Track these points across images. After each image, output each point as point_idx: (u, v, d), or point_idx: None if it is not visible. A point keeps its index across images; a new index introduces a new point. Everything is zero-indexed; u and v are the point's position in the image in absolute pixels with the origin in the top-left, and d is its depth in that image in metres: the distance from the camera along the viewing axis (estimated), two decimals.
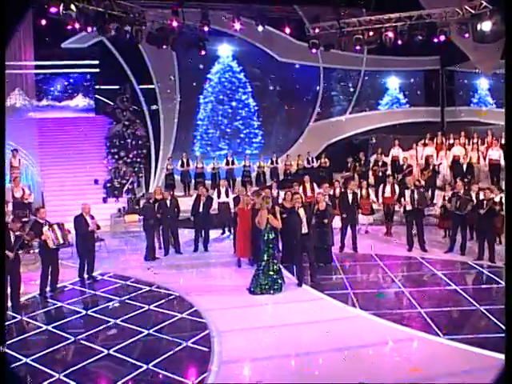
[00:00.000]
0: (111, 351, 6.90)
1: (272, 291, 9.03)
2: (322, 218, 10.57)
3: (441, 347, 6.77)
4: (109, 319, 8.18)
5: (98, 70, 22.01)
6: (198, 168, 18.14)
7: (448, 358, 6.45)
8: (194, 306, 8.61)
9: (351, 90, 22.95)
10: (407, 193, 11.74)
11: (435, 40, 21.98)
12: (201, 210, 12.50)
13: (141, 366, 6.45)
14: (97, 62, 21.72)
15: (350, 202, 12.11)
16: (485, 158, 16.33)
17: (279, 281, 9.20)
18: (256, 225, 10.35)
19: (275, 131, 22.22)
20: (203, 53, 17.59)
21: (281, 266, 9.53)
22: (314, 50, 17.95)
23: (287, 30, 19.17)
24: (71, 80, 23.05)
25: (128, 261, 12.21)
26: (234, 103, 21.68)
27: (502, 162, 15.51)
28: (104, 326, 7.94)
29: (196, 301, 8.82)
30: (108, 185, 17.77)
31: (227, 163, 18.47)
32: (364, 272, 10.59)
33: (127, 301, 9.09)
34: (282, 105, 22.19)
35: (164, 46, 16.40)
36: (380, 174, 16.36)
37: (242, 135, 21.78)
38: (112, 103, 19.29)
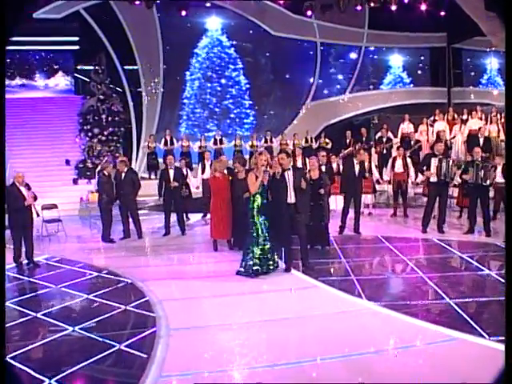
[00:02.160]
0: (11, 356, 4.60)
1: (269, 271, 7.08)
2: (315, 188, 8.33)
3: (486, 351, 4.48)
4: (30, 312, 5.90)
5: (77, 48, 19.82)
6: (183, 147, 15.87)
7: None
8: (145, 295, 6.34)
9: (351, 67, 20.60)
10: (434, 161, 9.39)
11: (442, 13, 20.06)
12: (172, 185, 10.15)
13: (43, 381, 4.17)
14: (76, 39, 19.51)
15: (357, 173, 9.77)
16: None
17: (272, 260, 7.13)
18: (236, 196, 8.18)
19: (268, 111, 19.94)
20: (183, 13, 15.30)
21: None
22: (309, 13, 15.62)
23: (281, 1, 17.01)
24: (49, 56, 20.70)
25: (83, 244, 9.98)
26: (223, 80, 19.37)
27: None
28: (19, 321, 5.66)
29: (151, 289, 6.54)
30: (80, 165, 15.50)
31: (215, 142, 16.18)
32: (369, 255, 8.30)
33: (63, 289, 6.81)
34: (275, 83, 19.84)
35: (137, 2, 14.08)
36: (384, 151, 14.10)
37: (232, 115, 19.47)
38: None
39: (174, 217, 10.32)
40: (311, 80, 20.16)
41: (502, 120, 14.70)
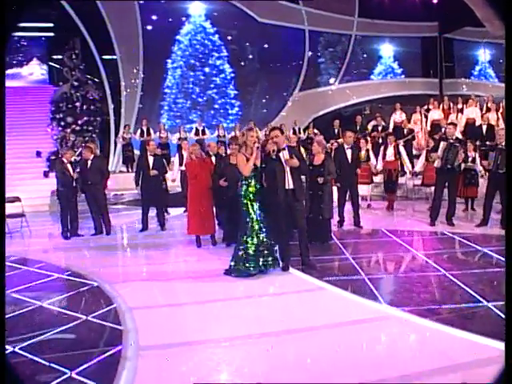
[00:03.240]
0: None
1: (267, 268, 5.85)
2: (315, 175, 7.13)
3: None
4: None
5: (52, 35, 18.39)
6: (161, 138, 14.52)
7: None
8: (113, 302, 5.05)
9: (340, 56, 19.45)
10: (442, 145, 8.25)
11: (434, 0, 19.06)
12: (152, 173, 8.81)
13: None
14: (51, 25, 18.06)
15: (350, 159, 8.56)
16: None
17: (271, 256, 5.88)
18: (219, 183, 6.99)
19: (254, 102, 18.72)
20: None
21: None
22: None
23: None
24: (21, 44, 19.17)
25: (49, 242, 8.64)
26: (207, 69, 18.04)
27: None
28: None
29: (120, 294, 5.26)
30: (52, 157, 14.06)
31: (196, 133, 14.88)
32: (377, 250, 7.08)
33: (13, 294, 5.48)
34: (262, 72, 18.61)
35: None
36: (380, 140, 12.97)
37: (216, 106, 18.15)
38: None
39: (153, 212, 9.06)
40: (299, 69, 18.94)
41: (501, 110, 13.74)
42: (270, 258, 5.78)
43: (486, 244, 7.04)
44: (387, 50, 20.00)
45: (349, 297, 5.01)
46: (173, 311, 4.80)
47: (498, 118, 13.19)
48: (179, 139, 14.64)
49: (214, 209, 7.59)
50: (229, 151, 7.92)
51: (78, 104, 14.33)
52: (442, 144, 8.31)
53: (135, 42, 17.30)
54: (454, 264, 6.12)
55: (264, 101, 18.84)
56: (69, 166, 8.50)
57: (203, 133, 15.00)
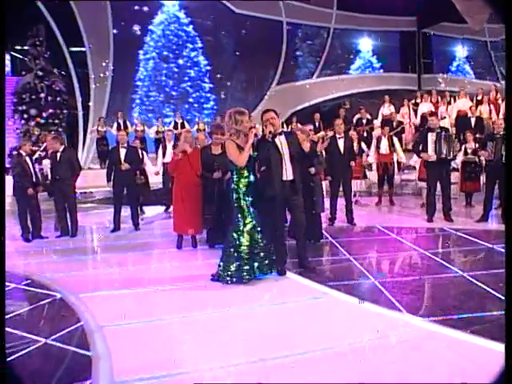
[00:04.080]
0: None
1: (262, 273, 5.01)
2: (305, 165, 6.33)
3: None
4: None
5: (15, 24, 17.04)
6: (137, 132, 13.53)
7: None
8: (79, 318, 4.13)
9: (319, 50, 18.73)
10: (430, 137, 7.61)
11: None
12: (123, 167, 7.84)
13: None
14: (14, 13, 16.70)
15: (342, 150, 7.80)
16: (498, 114, 12.59)
17: (267, 258, 5.02)
18: (213, 175, 6.15)
19: (230, 96, 17.80)
20: None
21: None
22: None
23: None
24: None
25: (8, 245, 7.58)
26: (181, 61, 17.06)
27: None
28: None
29: (88, 308, 4.34)
30: (14, 152, 12.86)
31: (175, 126, 13.93)
32: (379, 250, 6.32)
33: None
34: (238, 65, 17.72)
35: None
36: (365, 133, 12.31)
37: (190, 99, 17.18)
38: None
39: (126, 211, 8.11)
40: (277, 63, 18.14)
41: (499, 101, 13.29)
42: (265, 261, 4.95)
43: (493, 241, 6.38)
44: (366, 44, 19.38)
45: (363, 307, 4.21)
46: (153, 329, 3.90)
47: (490, 111, 12.74)
48: (157, 133, 13.76)
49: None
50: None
51: (42, 95, 13.25)
52: (431, 135, 7.67)
53: (105, 32, 16.18)
54: (468, 263, 5.47)
55: (240, 94, 17.96)
56: (28, 159, 7.48)
57: (182, 126, 14.06)
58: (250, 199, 4.90)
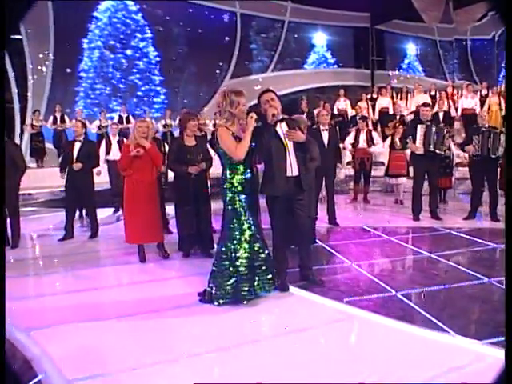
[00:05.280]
0: None
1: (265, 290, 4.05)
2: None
3: None
4: None
5: None
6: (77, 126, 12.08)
7: None
8: (20, 365, 3.01)
9: (273, 43, 17.89)
10: (420, 129, 6.96)
11: None
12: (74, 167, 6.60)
13: None
14: None
15: (326, 144, 6.97)
16: (456, 109, 12.30)
17: (270, 273, 4.07)
18: (189, 170, 5.24)
19: (182, 89, 16.64)
20: None
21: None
22: None
23: None
24: None
25: None
26: (128, 52, 15.70)
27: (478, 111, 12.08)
28: None
29: (27, 347, 3.23)
30: None
31: (120, 120, 12.65)
32: (380, 254, 5.54)
33: None
34: (190, 57, 16.51)
35: None
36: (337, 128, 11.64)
37: (139, 93, 15.87)
38: None
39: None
40: (230, 55, 17.15)
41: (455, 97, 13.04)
42: (268, 276, 4.00)
43: (496, 240, 5.80)
44: (320, 39, 18.76)
45: (398, 327, 3.37)
46: (134, 380, 2.86)
47: (449, 106, 12.42)
48: (99, 128, 12.41)
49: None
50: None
51: None
52: (420, 127, 7.05)
53: (44, 18, 14.56)
54: (487, 268, 4.73)
55: (193, 88, 16.84)
56: None
57: (128, 121, 12.81)
58: (248, 199, 3.94)
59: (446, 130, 7.08)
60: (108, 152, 8.54)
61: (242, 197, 3.92)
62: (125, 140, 8.65)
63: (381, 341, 3.22)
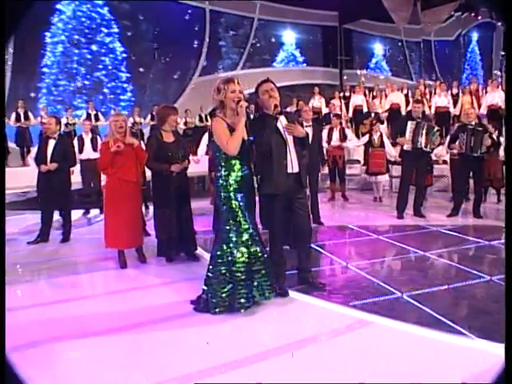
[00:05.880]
0: None
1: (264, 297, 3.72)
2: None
3: None
4: None
5: None
6: (43, 124, 11.41)
7: None
8: None
9: (242, 41, 17.61)
10: (410, 125, 6.84)
11: None
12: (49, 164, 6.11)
13: None
14: None
15: (310, 140, 6.72)
16: (430, 107, 12.38)
17: (270, 278, 3.74)
18: (171, 168, 4.93)
19: (150, 86, 16.17)
20: None
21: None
22: None
23: None
24: None
25: None
26: (94, 47, 15.12)
27: (452, 110, 12.48)
28: None
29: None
30: None
31: (88, 118, 12.08)
32: (377, 254, 5.28)
33: None
34: (158, 53, 16.10)
35: None
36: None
37: (105, 90, 15.31)
38: None
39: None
40: (199, 52, 16.77)
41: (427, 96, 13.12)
42: (267, 282, 3.70)
43: (486, 237, 5.74)
44: (289, 37, 18.62)
45: (415, 332, 3.17)
46: None
47: (423, 105, 12.50)
48: (66, 125, 11.82)
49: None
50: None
51: None
52: (411, 124, 6.94)
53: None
54: (486, 265, 4.64)
55: (161, 86, 16.38)
56: None
57: (97, 118, 12.27)
58: (245, 199, 3.64)
59: (436, 127, 6.98)
60: (81, 151, 8.07)
61: (239, 196, 3.62)
62: (98, 138, 8.26)
63: (405, 349, 2.99)
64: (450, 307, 3.63)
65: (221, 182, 3.63)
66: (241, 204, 3.62)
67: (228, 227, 3.62)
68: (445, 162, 9.34)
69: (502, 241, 5.43)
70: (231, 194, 3.61)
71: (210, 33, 16.88)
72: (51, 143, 6.05)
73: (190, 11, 16.47)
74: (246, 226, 3.62)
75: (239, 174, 3.63)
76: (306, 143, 3.91)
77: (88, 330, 3.39)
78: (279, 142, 3.75)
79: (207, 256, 5.10)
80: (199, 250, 5.34)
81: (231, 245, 3.60)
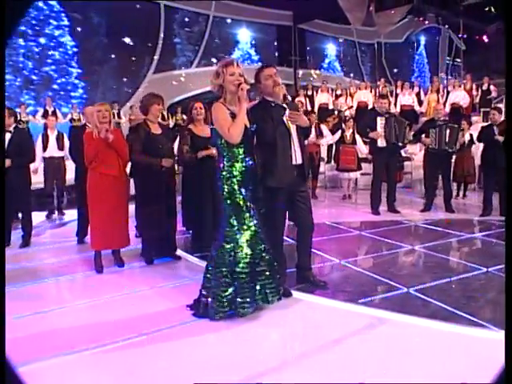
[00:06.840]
0: None
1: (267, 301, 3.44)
2: None
3: None
4: None
5: None
6: None
7: None
8: None
9: (197, 38, 17.24)
10: (380, 121, 6.82)
11: None
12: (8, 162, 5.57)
13: None
14: None
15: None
16: (395, 105, 12.60)
17: (274, 280, 3.48)
18: (162, 163, 4.68)
19: (102, 83, 15.50)
20: None
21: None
22: None
23: None
24: None
25: None
26: (42, 40, 14.27)
27: (417, 108, 12.85)
28: None
29: None
30: None
31: (45, 114, 11.39)
32: (367, 250, 5.25)
33: None
34: (111, 48, 15.48)
35: None
36: None
37: (55, 86, 14.50)
38: None
39: None
40: (153, 49, 16.25)
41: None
42: (272, 284, 3.44)
43: (467, 230, 5.88)
44: (244, 35, 18.44)
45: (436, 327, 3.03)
46: None
47: (389, 103, 12.76)
48: (19, 122, 11.05)
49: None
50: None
51: None
52: (380, 120, 6.93)
53: None
54: (477, 258, 4.66)
55: (114, 82, 15.75)
56: None
57: (54, 115, 11.56)
58: (250, 192, 3.40)
59: (406, 122, 7.00)
60: (45, 148, 7.51)
61: (244, 189, 3.36)
62: (65, 135, 7.74)
63: (430, 346, 2.86)
64: (465, 301, 3.53)
65: (224, 173, 3.37)
66: (246, 198, 3.38)
67: (231, 224, 3.37)
68: (408, 159, 9.47)
69: (488, 233, 5.53)
70: (235, 188, 3.35)
71: (165, 29, 16.41)
72: (8, 136, 5.52)
73: (144, 6, 15.91)
74: (251, 223, 3.38)
75: (244, 164, 3.37)
76: (308, 133, 3.73)
77: (70, 344, 3.00)
78: (284, 132, 3.54)
79: (186, 256, 4.86)
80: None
81: (233, 244, 3.34)
